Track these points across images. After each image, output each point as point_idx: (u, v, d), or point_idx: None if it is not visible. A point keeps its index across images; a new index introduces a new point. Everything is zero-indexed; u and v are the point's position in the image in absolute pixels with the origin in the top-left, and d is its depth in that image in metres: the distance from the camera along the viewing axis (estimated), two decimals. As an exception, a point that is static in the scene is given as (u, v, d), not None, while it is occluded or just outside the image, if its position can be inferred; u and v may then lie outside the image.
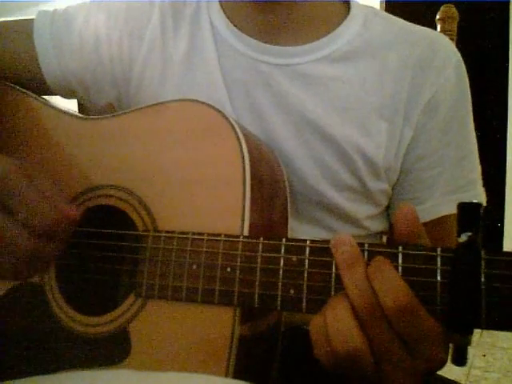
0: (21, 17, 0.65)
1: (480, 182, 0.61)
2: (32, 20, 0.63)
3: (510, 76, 2.32)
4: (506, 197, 2.30)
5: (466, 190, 0.60)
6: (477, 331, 0.37)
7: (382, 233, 0.65)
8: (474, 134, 0.61)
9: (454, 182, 0.59)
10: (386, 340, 0.37)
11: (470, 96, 0.60)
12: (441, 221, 0.59)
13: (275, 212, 0.51)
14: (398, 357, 0.37)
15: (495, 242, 2.27)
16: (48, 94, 0.64)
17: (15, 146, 0.58)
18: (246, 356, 0.45)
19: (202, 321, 0.45)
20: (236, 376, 0.43)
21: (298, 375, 0.58)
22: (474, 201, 0.37)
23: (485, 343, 1.86)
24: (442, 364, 0.38)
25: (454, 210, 0.59)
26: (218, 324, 0.44)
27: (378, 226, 0.63)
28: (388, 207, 0.63)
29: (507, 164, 2.30)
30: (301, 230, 0.58)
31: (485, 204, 0.60)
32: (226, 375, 0.43)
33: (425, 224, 0.59)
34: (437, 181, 0.59)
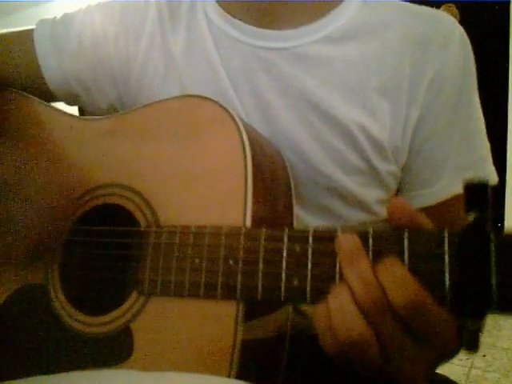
0: (20, 17, 0.65)
1: (490, 160, 0.60)
2: (32, 30, 0.64)
3: (510, 76, 2.32)
4: (506, 196, 2.30)
5: (476, 167, 0.59)
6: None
7: None
8: (480, 111, 0.60)
9: (463, 160, 0.58)
10: (393, 331, 0.36)
11: (475, 73, 0.59)
12: (451, 201, 0.58)
13: (279, 203, 0.51)
14: (406, 346, 0.36)
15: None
16: (52, 102, 0.65)
17: (20, 148, 0.59)
18: (250, 356, 0.44)
19: (204, 317, 0.44)
20: (240, 375, 0.42)
21: (303, 380, 0.57)
22: (481, 178, 0.34)
23: (485, 343, 1.86)
24: (455, 352, 0.37)
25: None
26: (221, 320, 0.43)
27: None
28: (397, 192, 0.61)
29: (507, 164, 2.30)
30: (309, 219, 0.58)
31: (496, 181, 0.60)
32: (229, 374, 0.41)
33: (436, 206, 0.58)
34: (446, 161, 0.58)
